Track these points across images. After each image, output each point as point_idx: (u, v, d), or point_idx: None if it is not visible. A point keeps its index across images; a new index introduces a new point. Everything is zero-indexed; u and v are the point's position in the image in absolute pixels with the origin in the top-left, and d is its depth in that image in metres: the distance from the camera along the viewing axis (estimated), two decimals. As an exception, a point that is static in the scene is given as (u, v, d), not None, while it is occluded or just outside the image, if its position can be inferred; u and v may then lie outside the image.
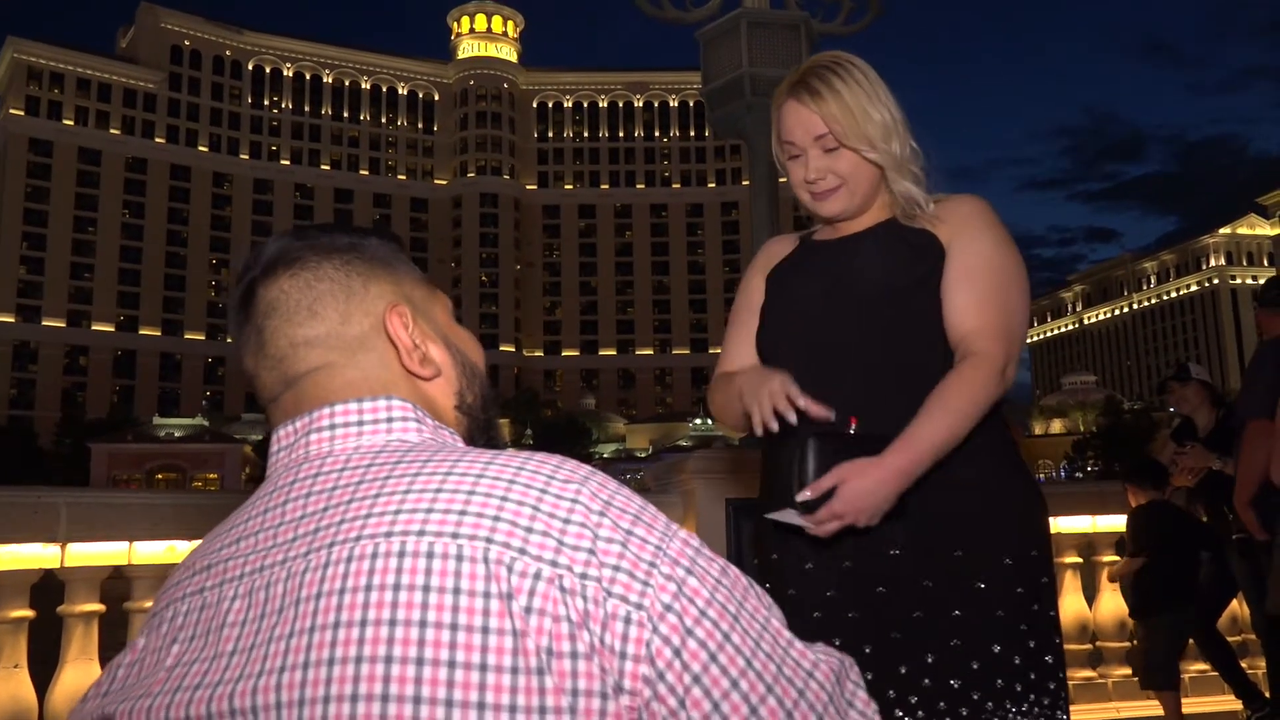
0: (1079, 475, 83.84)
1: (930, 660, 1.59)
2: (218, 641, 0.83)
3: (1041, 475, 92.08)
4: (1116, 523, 4.84)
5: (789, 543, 1.68)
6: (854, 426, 1.56)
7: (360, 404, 0.94)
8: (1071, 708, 4.49)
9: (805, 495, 1.49)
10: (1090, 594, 4.91)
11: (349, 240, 1.01)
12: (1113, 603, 4.83)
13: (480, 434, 1.05)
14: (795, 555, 1.68)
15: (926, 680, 1.59)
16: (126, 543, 3.14)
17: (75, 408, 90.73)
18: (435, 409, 1.00)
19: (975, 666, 1.59)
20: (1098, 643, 4.86)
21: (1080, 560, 4.85)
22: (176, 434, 78.76)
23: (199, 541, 0.98)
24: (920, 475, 1.55)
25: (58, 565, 3.02)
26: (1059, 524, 4.81)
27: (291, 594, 0.80)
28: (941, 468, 1.60)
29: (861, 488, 1.50)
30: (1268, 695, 4.46)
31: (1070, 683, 4.68)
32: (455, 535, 0.78)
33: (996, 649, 1.59)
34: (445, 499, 0.81)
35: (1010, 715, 1.59)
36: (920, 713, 1.58)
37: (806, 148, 1.73)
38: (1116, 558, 4.85)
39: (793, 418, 1.54)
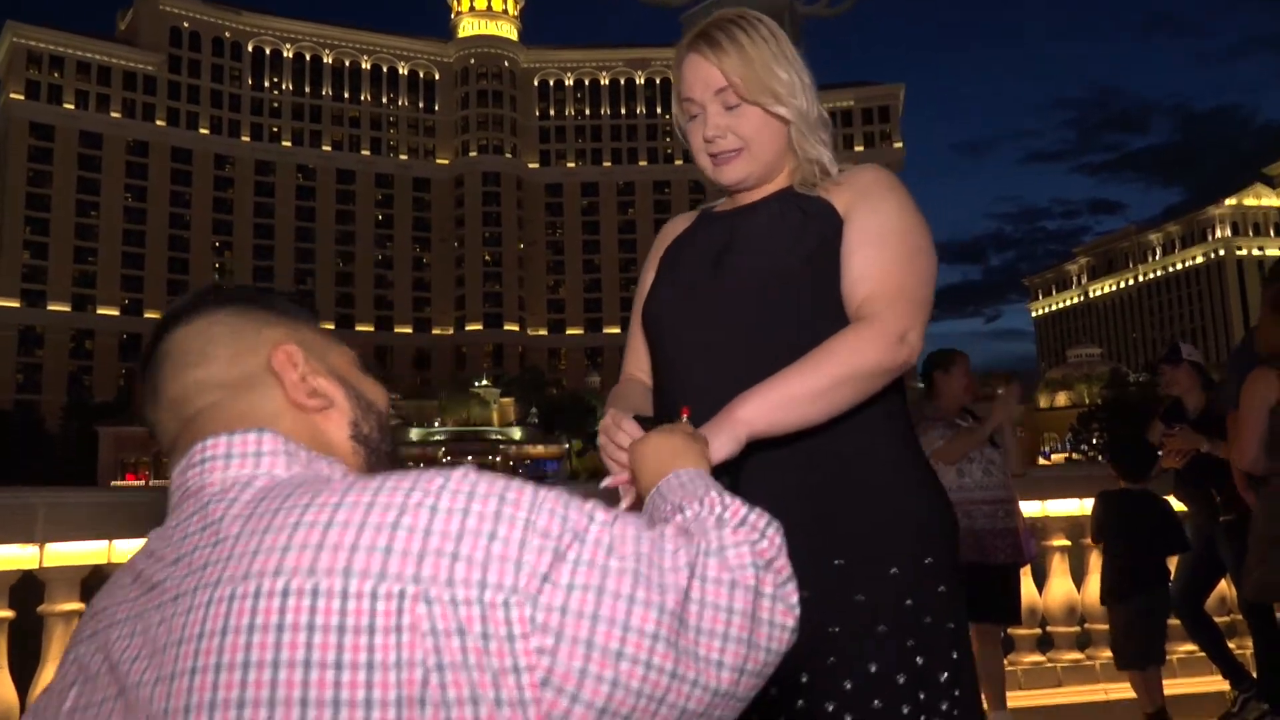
0: (1084, 448, 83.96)
1: (805, 680, 1.46)
2: (107, 685, 0.83)
3: (1046, 448, 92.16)
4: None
5: None
6: (685, 417, 1.42)
7: (230, 437, 0.95)
8: (1060, 689, 4.52)
9: (607, 483, 1.37)
10: (1080, 577, 4.91)
11: (253, 292, 1.05)
12: (1098, 586, 4.82)
13: (381, 463, 1.07)
14: None
15: (800, 701, 1.46)
16: (106, 541, 3.15)
17: (81, 391, 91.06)
18: (327, 440, 1.01)
19: (848, 687, 1.45)
20: (1085, 625, 4.86)
21: (1069, 543, 4.85)
22: (183, 417, 79.01)
23: None
24: (766, 435, 1.39)
25: (36, 566, 3.03)
26: (1048, 507, 4.81)
27: (175, 634, 0.81)
28: (826, 465, 1.49)
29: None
30: (1254, 675, 4.48)
31: (1058, 665, 4.70)
32: (332, 573, 0.80)
33: (873, 668, 1.46)
34: (335, 535, 0.82)
35: None
36: None
37: (706, 104, 1.60)
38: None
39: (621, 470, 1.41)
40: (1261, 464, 3.56)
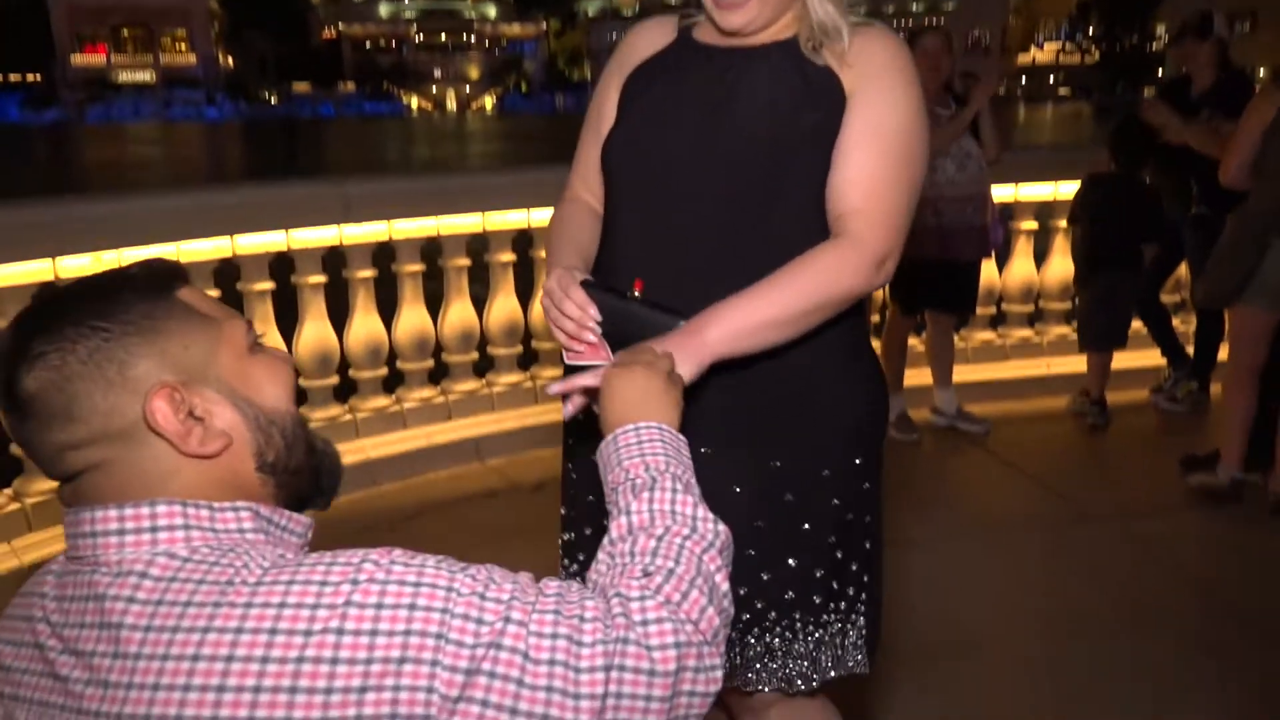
0: (1079, 38, 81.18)
1: None
2: None
3: (1040, 36, 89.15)
4: (1074, 190, 4.80)
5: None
6: (638, 291, 1.39)
7: (121, 511, 0.90)
8: (1006, 362, 4.74)
9: (555, 388, 1.31)
10: (1042, 259, 4.98)
11: (92, 323, 0.90)
12: (1060, 266, 4.91)
13: (295, 480, 1.03)
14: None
15: None
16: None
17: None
18: (234, 479, 0.97)
19: (765, 579, 1.51)
20: (1040, 303, 5.00)
21: (1035, 226, 4.85)
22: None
23: None
24: (727, 358, 1.35)
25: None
26: (1021, 192, 4.75)
27: None
28: (770, 370, 1.45)
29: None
30: (1190, 356, 4.71)
31: (1007, 342, 4.90)
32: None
33: (792, 563, 1.51)
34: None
35: (798, 626, 1.54)
36: None
37: None
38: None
39: (588, 338, 1.40)
40: (1239, 181, 3.55)
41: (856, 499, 1.56)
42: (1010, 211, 4.81)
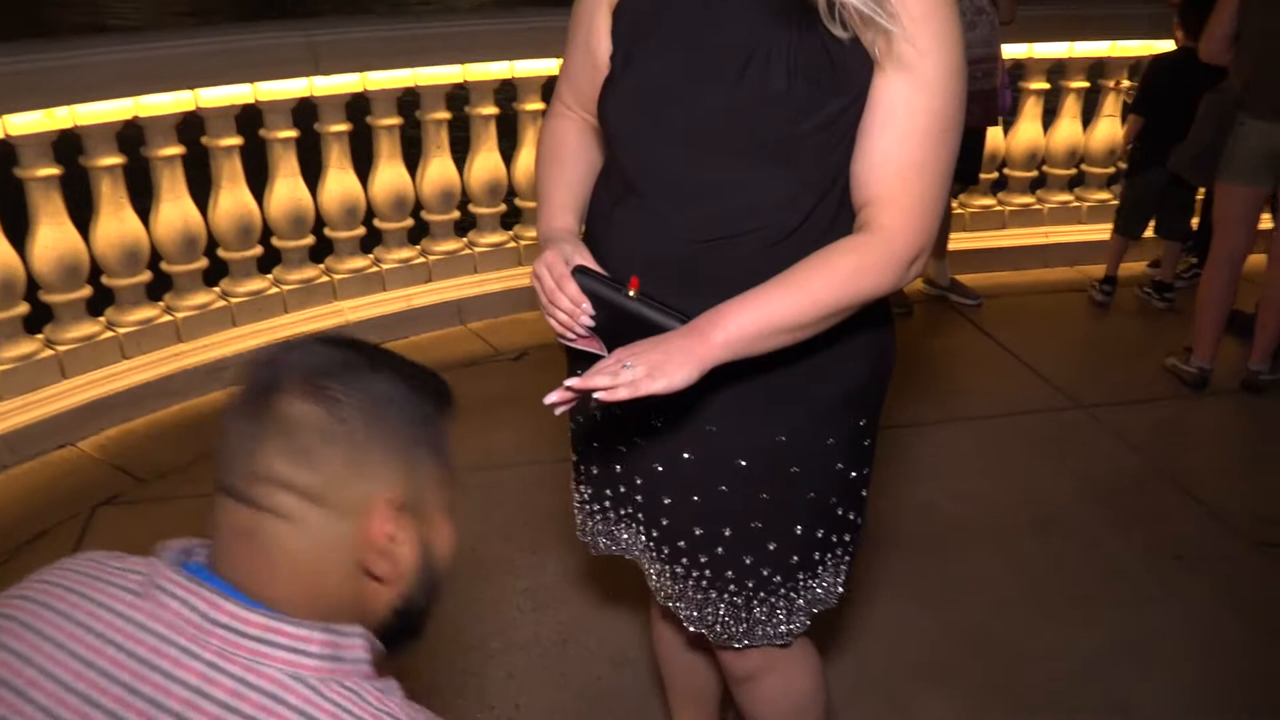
0: None
1: (727, 533, 1.49)
2: None
3: None
4: (1091, 49, 4.54)
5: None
6: (634, 290, 1.32)
7: (280, 624, 0.86)
8: (1004, 231, 4.60)
9: (550, 399, 1.24)
10: (1050, 121, 4.76)
11: (387, 390, 0.91)
12: (1068, 130, 4.70)
13: (399, 624, 0.98)
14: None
15: (720, 550, 1.50)
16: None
17: None
18: (363, 605, 0.93)
19: (772, 548, 1.50)
20: (1044, 168, 4.82)
21: (1047, 86, 4.61)
22: None
23: None
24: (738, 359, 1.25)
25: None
26: (1035, 49, 4.49)
27: None
28: (787, 352, 1.32)
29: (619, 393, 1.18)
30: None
31: (1006, 209, 4.75)
32: None
33: (798, 530, 1.49)
34: None
35: (801, 585, 1.54)
36: (707, 573, 1.52)
37: None
38: (1086, 83, 4.62)
39: (580, 332, 1.36)
40: (1218, 55, 3.53)
41: (858, 457, 1.53)
42: (1021, 70, 4.56)
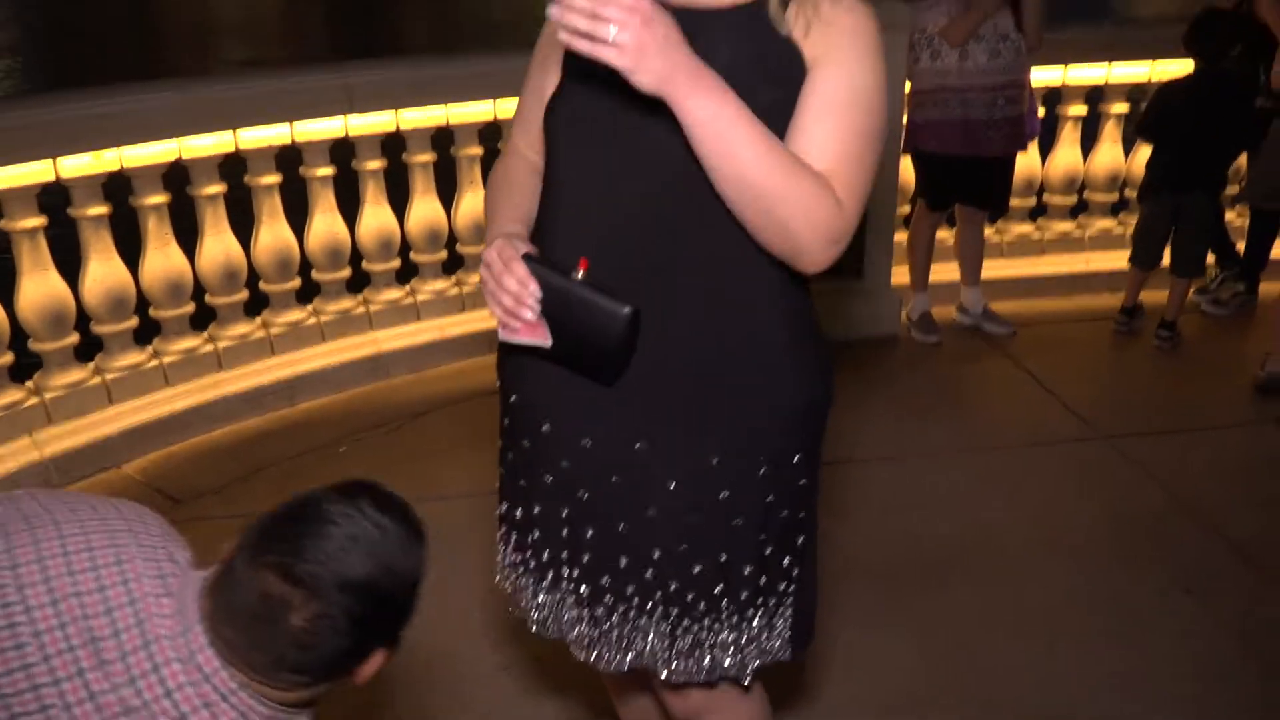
0: None
1: (656, 556, 1.49)
2: None
3: None
4: (1130, 73, 4.47)
5: (528, 390, 1.56)
6: (583, 271, 1.34)
7: (242, 692, 1.13)
8: (1043, 258, 4.53)
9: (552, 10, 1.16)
10: (1090, 146, 4.69)
11: (380, 584, 1.11)
12: (1109, 155, 4.63)
13: None
14: (533, 411, 1.55)
15: (649, 573, 1.50)
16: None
17: None
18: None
19: (697, 571, 1.50)
20: (1086, 193, 4.74)
21: (1084, 111, 4.55)
22: None
23: None
24: (688, 126, 1.22)
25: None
26: (1069, 75, 4.43)
27: None
28: (708, 357, 1.40)
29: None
30: (1241, 257, 4.46)
31: (1045, 236, 4.69)
32: None
33: (723, 557, 1.49)
34: None
35: (724, 618, 1.53)
36: (635, 600, 1.52)
37: None
38: (1125, 107, 4.54)
39: (526, 315, 1.36)
40: None
41: (791, 495, 1.53)
42: (1058, 95, 4.51)
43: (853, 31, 1.35)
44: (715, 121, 1.22)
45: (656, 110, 1.31)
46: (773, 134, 1.27)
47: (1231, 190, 4.64)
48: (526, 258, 1.37)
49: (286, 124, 3.67)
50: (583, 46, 1.15)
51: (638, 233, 1.40)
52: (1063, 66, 4.40)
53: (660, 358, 1.40)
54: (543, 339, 1.38)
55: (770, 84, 1.34)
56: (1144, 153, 4.54)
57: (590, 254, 1.37)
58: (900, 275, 4.27)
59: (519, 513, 1.64)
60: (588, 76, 1.40)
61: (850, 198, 1.31)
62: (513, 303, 1.35)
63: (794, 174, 1.27)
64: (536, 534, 1.60)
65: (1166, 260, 4.18)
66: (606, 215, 1.41)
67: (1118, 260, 4.56)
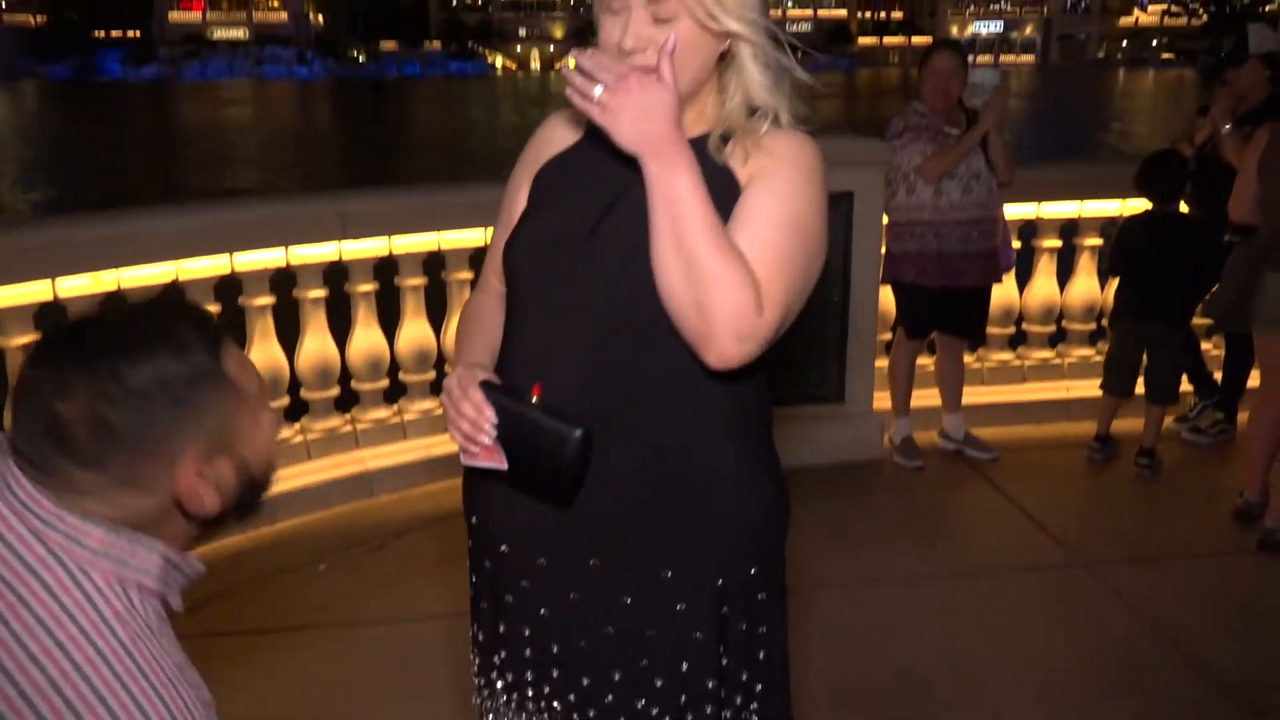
0: None
1: (616, 678, 1.50)
2: None
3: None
4: (1101, 208, 4.62)
5: (486, 512, 1.59)
6: (536, 397, 1.39)
7: (65, 513, 0.98)
8: (1024, 385, 4.58)
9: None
10: (1066, 278, 4.81)
11: (149, 374, 0.96)
12: (1085, 286, 4.74)
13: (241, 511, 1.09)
14: (491, 532, 1.58)
15: (610, 697, 1.51)
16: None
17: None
18: (161, 527, 1.03)
19: (659, 685, 1.50)
20: (1064, 323, 4.84)
21: (1059, 244, 4.68)
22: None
23: None
24: (650, 184, 1.29)
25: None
26: (1044, 210, 4.59)
27: None
28: (664, 472, 1.44)
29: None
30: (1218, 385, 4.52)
31: (1025, 364, 4.76)
32: None
33: (684, 668, 1.50)
34: None
35: None
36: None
37: (632, 4, 1.36)
38: (1099, 240, 4.68)
39: (483, 440, 1.40)
40: (1247, 216, 3.67)
41: (750, 610, 1.53)
42: (1033, 229, 4.66)
43: (786, 158, 1.41)
44: (673, 187, 1.29)
45: (611, 241, 1.41)
46: (715, 230, 1.31)
47: (1205, 321, 4.75)
48: (484, 384, 1.42)
49: (282, 248, 3.78)
50: (575, 100, 1.29)
51: (589, 359, 1.45)
52: (1037, 203, 4.55)
53: (611, 479, 1.43)
54: (499, 463, 1.42)
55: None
56: (1116, 283, 4.67)
57: (545, 379, 1.42)
58: (882, 400, 4.33)
59: (484, 634, 1.66)
60: (552, 203, 1.51)
61: (771, 308, 1.33)
62: (470, 428, 1.39)
63: (730, 262, 1.30)
64: (503, 654, 1.62)
65: (1141, 389, 4.25)
66: (560, 342, 1.47)
67: (1097, 388, 4.62)
